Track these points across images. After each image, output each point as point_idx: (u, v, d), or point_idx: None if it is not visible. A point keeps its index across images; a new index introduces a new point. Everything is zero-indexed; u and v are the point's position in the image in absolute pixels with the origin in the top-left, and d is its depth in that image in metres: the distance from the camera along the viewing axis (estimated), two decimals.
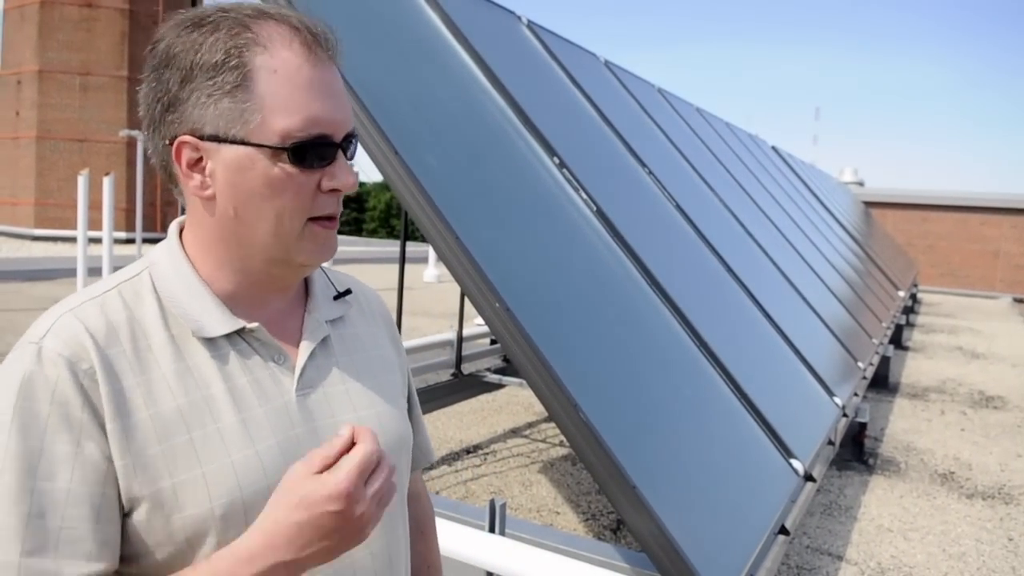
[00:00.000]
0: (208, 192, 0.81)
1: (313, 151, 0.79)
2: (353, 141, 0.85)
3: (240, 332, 0.84)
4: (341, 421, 0.88)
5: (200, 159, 0.80)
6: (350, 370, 0.93)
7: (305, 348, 0.89)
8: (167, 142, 0.81)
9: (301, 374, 0.87)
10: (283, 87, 0.78)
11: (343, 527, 0.71)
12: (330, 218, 0.84)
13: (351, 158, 0.85)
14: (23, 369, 0.75)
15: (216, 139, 0.79)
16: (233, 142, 0.78)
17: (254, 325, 0.85)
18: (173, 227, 0.89)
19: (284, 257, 0.83)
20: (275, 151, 0.78)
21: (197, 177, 0.81)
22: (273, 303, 0.89)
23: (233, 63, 0.77)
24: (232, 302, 0.85)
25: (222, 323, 0.83)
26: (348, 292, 0.99)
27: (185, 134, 0.79)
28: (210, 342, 0.82)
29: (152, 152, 0.85)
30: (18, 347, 0.77)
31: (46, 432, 0.73)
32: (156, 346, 0.80)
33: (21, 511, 0.71)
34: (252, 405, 0.82)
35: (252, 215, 0.81)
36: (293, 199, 0.80)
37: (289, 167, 0.79)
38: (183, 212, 0.90)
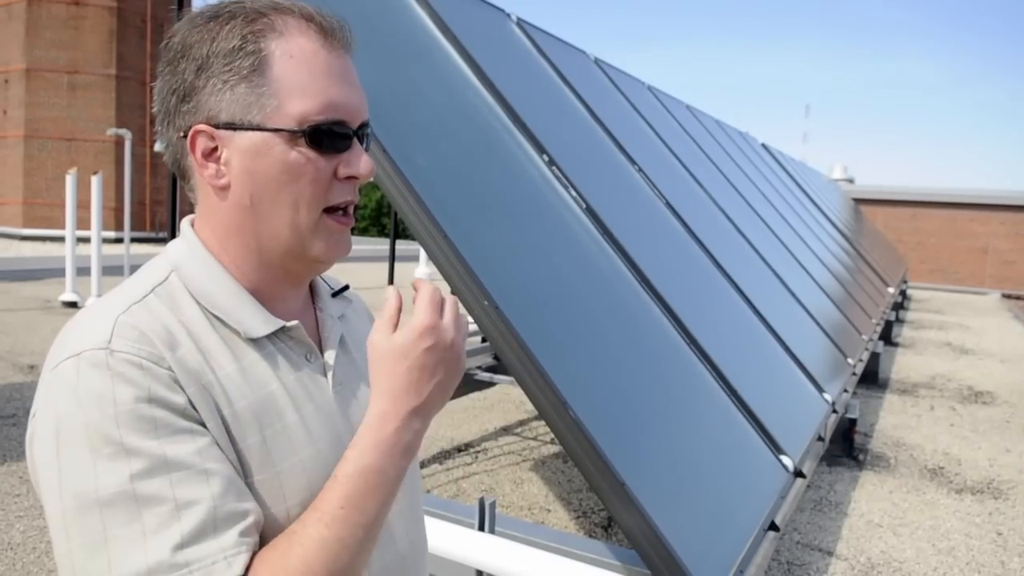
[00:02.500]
0: (223, 181, 0.79)
1: (330, 135, 0.79)
2: (369, 130, 0.85)
3: (279, 331, 0.84)
4: None
5: (215, 148, 0.79)
6: (364, 367, 0.94)
7: (332, 346, 0.90)
8: (181, 134, 0.80)
9: (334, 372, 0.88)
10: (299, 71, 0.78)
11: (442, 357, 0.79)
12: (345, 211, 0.84)
13: (367, 148, 0.85)
14: (104, 376, 0.69)
15: (232, 126, 0.78)
16: (249, 128, 0.78)
17: (293, 323, 0.84)
18: (186, 225, 0.86)
19: (299, 251, 0.82)
20: (292, 135, 0.78)
21: (212, 166, 0.79)
22: (291, 299, 0.88)
23: (249, 48, 0.77)
24: (257, 298, 0.84)
25: (264, 323, 0.82)
26: (346, 288, 0.99)
27: (200, 123, 0.78)
28: (255, 342, 0.82)
29: (166, 147, 0.83)
30: (73, 357, 0.71)
31: (159, 433, 0.69)
32: (212, 347, 0.78)
33: (167, 509, 0.68)
34: (304, 403, 0.83)
35: (268, 203, 0.79)
36: (309, 185, 0.79)
37: (307, 151, 0.78)
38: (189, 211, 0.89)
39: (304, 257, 0.83)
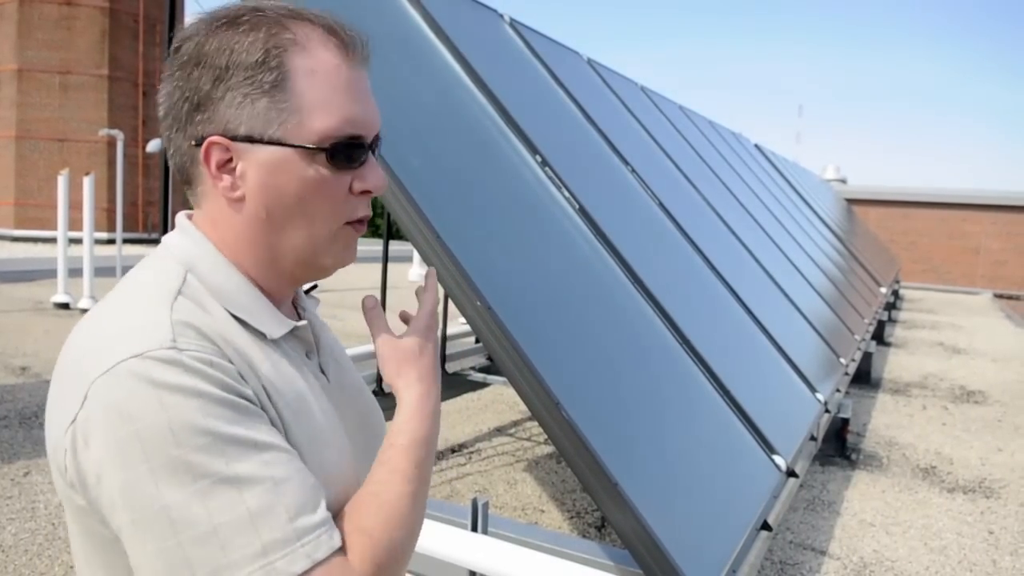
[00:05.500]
0: (238, 194, 0.79)
1: (347, 152, 0.79)
2: (379, 142, 0.86)
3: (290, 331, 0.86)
4: (360, 411, 0.94)
5: (230, 160, 0.78)
6: (342, 362, 0.98)
7: (324, 344, 0.92)
8: (193, 142, 0.79)
9: (329, 369, 0.91)
10: (321, 88, 0.78)
11: (434, 344, 0.93)
12: (360, 221, 0.84)
13: (377, 158, 0.85)
14: (179, 372, 0.70)
15: (251, 140, 0.77)
16: (270, 143, 0.77)
17: (303, 323, 0.86)
18: (186, 221, 0.85)
19: (312, 260, 0.83)
20: (311, 152, 0.78)
21: (227, 178, 0.79)
22: (288, 299, 0.90)
23: (273, 63, 0.76)
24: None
25: (279, 324, 0.83)
26: (315, 287, 1.00)
27: (216, 134, 0.77)
28: (274, 342, 0.83)
29: (173, 152, 0.81)
30: (135, 358, 0.70)
31: (242, 419, 0.72)
32: (246, 348, 0.79)
33: (267, 487, 0.70)
34: (321, 399, 0.85)
35: (283, 217, 0.80)
36: (326, 201, 0.80)
37: (323, 168, 0.79)
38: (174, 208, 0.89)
39: (315, 265, 0.84)
